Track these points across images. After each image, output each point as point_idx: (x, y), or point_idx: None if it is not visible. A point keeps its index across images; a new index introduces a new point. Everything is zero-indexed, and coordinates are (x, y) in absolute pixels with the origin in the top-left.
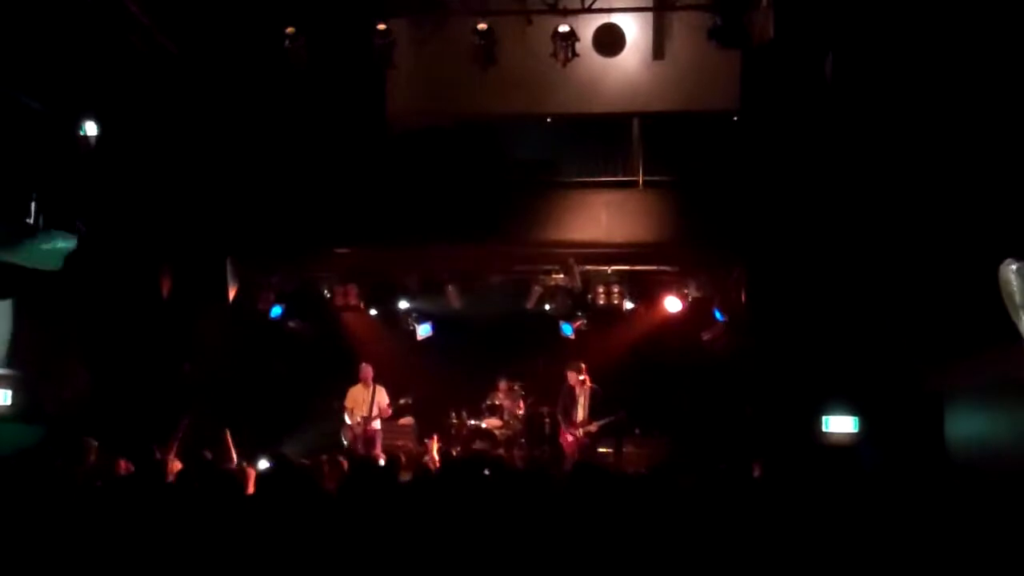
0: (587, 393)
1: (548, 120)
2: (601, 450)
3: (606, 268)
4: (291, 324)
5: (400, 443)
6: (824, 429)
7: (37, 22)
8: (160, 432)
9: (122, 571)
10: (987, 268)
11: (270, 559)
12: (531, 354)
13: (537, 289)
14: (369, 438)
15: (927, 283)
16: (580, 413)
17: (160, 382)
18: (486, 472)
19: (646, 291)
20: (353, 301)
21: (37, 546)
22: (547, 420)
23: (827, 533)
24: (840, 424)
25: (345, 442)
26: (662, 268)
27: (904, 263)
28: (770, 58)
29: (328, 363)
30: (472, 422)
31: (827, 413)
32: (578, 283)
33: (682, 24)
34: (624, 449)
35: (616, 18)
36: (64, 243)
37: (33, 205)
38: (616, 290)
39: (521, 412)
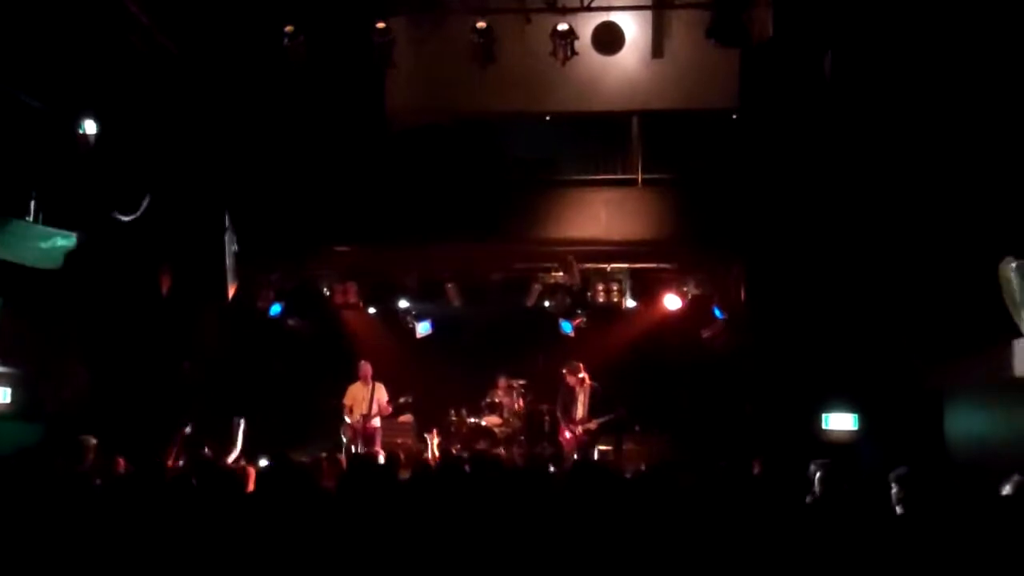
0: (587, 391)
1: (547, 118)
2: (601, 448)
3: (605, 266)
4: (290, 322)
5: (400, 441)
6: (824, 427)
7: (37, 21)
8: (160, 430)
9: (121, 569)
10: (987, 265)
11: (270, 557)
12: (531, 352)
13: (537, 287)
14: (368, 436)
15: (926, 280)
16: (580, 411)
17: (159, 380)
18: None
19: (646, 289)
20: (352, 299)
21: (37, 544)
22: (547, 418)
23: (827, 530)
24: (840, 421)
25: (344, 440)
26: (661, 266)
27: (903, 260)
28: (769, 56)
29: (327, 361)
30: (472, 420)
31: (827, 411)
32: (578, 281)
33: (681, 22)
34: (624, 447)
35: (615, 16)
36: (64, 241)
37: (32, 204)
38: (616, 288)
39: (520, 410)
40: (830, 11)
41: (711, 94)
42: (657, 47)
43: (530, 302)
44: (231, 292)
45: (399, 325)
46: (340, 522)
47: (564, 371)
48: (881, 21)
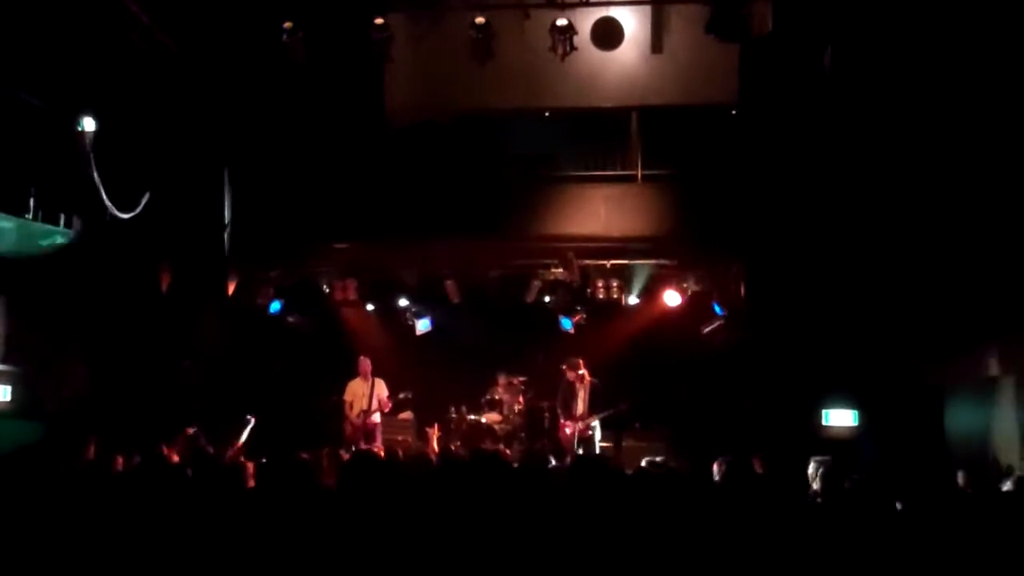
0: (587, 387)
1: (547, 114)
2: (601, 444)
3: (605, 262)
4: (290, 319)
5: (400, 438)
6: (824, 422)
7: (37, 19)
8: (160, 428)
9: (121, 566)
10: (987, 261)
11: (270, 553)
12: (530, 349)
13: (536, 283)
14: (369, 432)
15: (927, 276)
16: (580, 407)
17: (159, 378)
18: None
19: (645, 285)
20: (352, 296)
21: (37, 542)
22: (547, 414)
23: (827, 526)
24: (840, 417)
25: (345, 436)
26: (661, 262)
27: (904, 256)
28: (769, 51)
29: (327, 358)
30: (472, 417)
31: (827, 406)
32: (577, 277)
33: (680, 17)
34: (624, 443)
35: (614, 12)
36: (63, 239)
37: (32, 201)
38: (615, 284)
39: (521, 407)
40: (829, 6)
41: (711, 89)
42: (656, 42)
43: (530, 298)
44: (231, 290)
45: (399, 322)
46: (340, 519)
47: (564, 367)
48: (880, 15)
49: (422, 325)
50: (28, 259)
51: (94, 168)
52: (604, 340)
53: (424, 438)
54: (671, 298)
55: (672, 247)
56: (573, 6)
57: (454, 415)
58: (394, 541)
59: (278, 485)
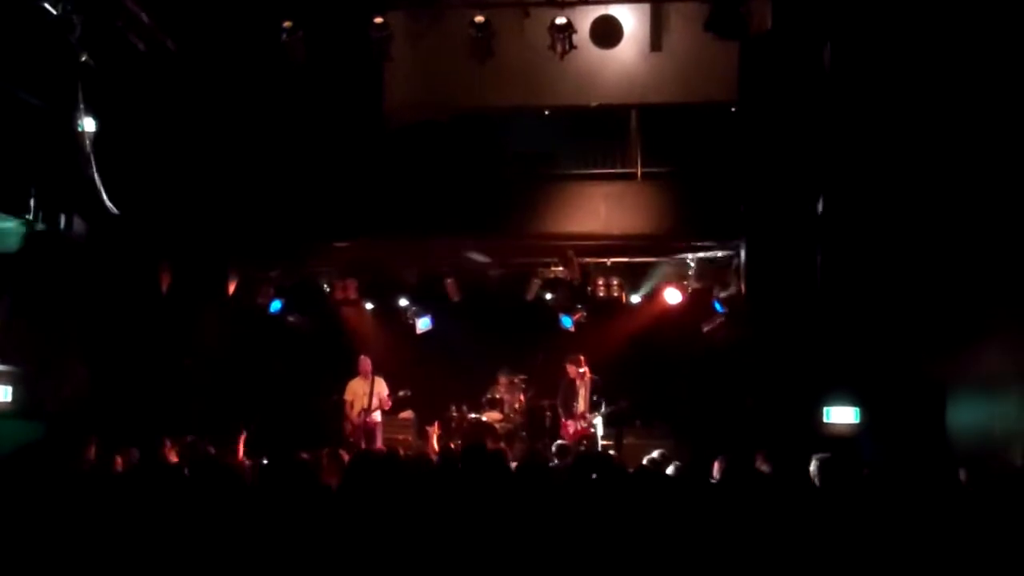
0: (588, 385)
1: (546, 113)
2: (602, 442)
3: (605, 260)
4: (291, 319)
5: (401, 437)
6: (825, 420)
7: (37, 17)
8: (160, 429)
9: (122, 566)
10: (989, 256)
11: (271, 552)
12: (531, 347)
13: (536, 281)
14: (369, 431)
15: (928, 273)
16: (581, 404)
17: (160, 378)
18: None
19: (646, 283)
20: (352, 295)
21: (37, 542)
22: (548, 413)
23: (828, 524)
24: (841, 415)
25: (345, 435)
26: (661, 260)
27: (905, 252)
28: (768, 48)
29: (328, 358)
30: (472, 415)
31: (828, 404)
32: (577, 275)
33: (679, 15)
34: (625, 441)
35: (613, 10)
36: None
37: (32, 201)
38: (615, 282)
39: (521, 405)
40: (829, 2)
41: (710, 87)
42: (656, 40)
43: (530, 297)
44: (231, 289)
45: (399, 321)
46: (342, 518)
47: (567, 363)
48: (880, 12)
49: (422, 324)
50: (28, 258)
51: (94, 168)
52: (605, 338)
53: (424, 437)
54: (671, 295)
55: (672, 244)
56: (572, 4)
57: (455, 414)
58: (396, 541)
59: (279, 485)
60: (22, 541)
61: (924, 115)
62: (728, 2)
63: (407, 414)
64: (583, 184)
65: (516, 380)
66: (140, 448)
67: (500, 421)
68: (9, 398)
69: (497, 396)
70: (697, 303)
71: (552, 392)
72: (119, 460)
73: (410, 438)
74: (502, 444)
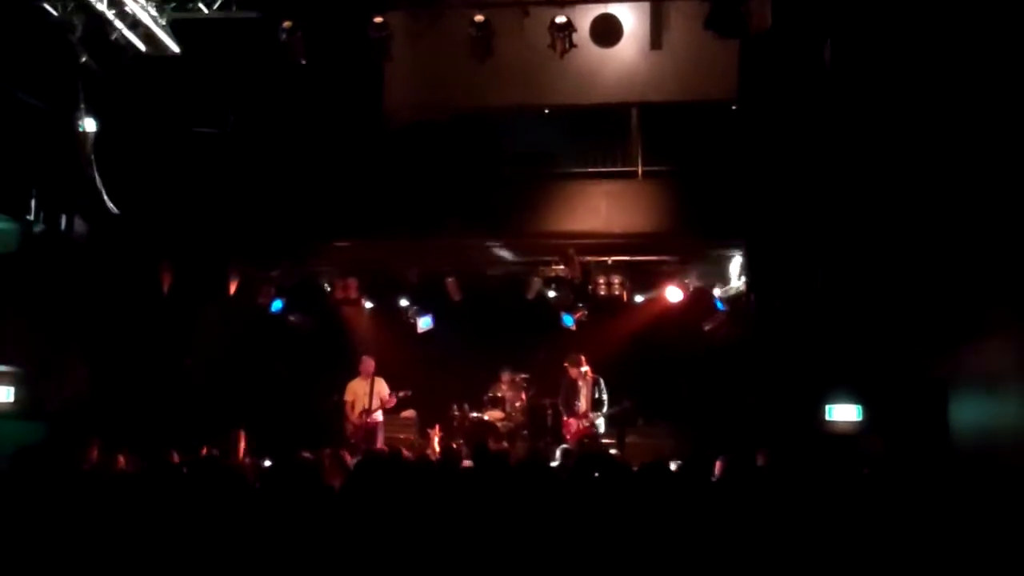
0: (589, 384)
1: (546, 112)
2: (604, 441)
3: (606, 259)
4: (292, 319)
5: (402, 436)
6: (827, 418)
7: (37, 19)
8: (162, 428)
9: (124, 567)
10: (991, 253)
11: (273, 553)
12: (532, 346)
13: (537, 280)
14: (370, 431)
15: (930, 270)
16: (583, 403)
17: (161, 378)
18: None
19: (647, 281)
20: (353, 295)
21: (39, 543)
22: (549, 412)
23: (831, 522)
24: (843, 413)
25: (346, 436)
26: (662, 258)
27: (907, 249)
28: (768, 46)
29: (329, 357)
30: (474, 414)
31: (830, 402)
32: (578, 274)
33: (679, 13)
34: (627, 440)
35: (613, 8)
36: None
37: (33, 202)
38: (617, 281)
39: (523, 404)
40: (829, 0)
41: (710, 85)
42: (656, 39)
43: (531, 295)
44: (232, 289)
45: (400, 320)
46: (344, 519)
47: (566, 364)
48: (880, 9)
49: (423, 323)
50: (29, 259)
51: (95, 169)
52: (606, 337)
53: (426, 437)
54: (672, 294)
55: (673, 243)
56: (572, 3)
57: (456, 413)
58: (399, 541)
59: (281, 486)
60: (25, 541)
61: (925, 112)
62: (728, 0)
63: (409, 413)
64: (584, 183)
65: (518, 379)
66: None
67: (502, 420)
68: (11, 398)
69: (499, 395)
70: (698, 301)
71: (554, 390)
72: (121, 460)
73: (412, 437)
74: (504, 443)
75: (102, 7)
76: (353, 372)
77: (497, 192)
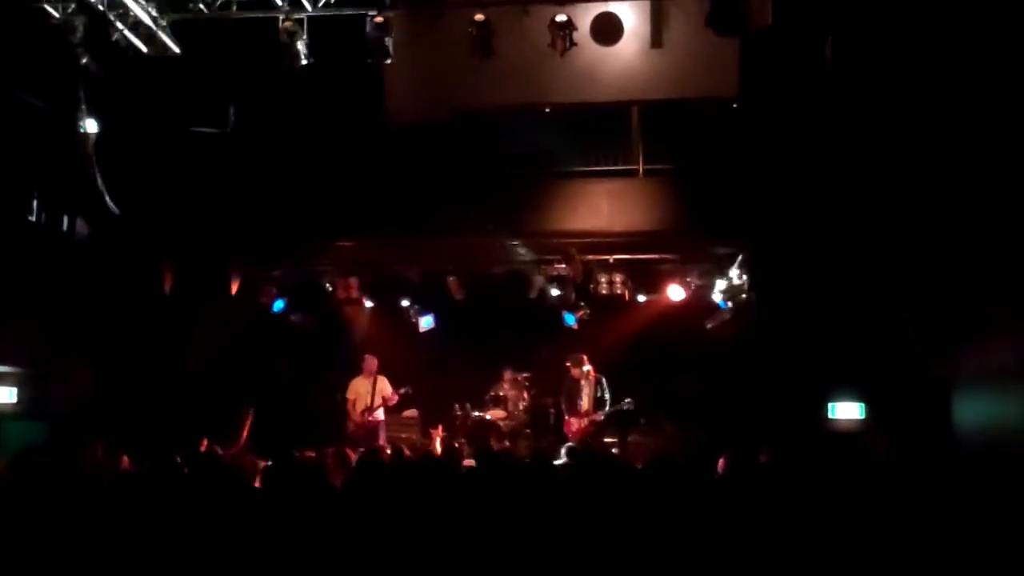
0: (591, 383)
1: (547, 110)
2: (607, 440)
3: (608, 257)
4: (293, 318)
5: (405, 435)
6: (831, 416)
7: (39, 20)
8: (164, 428)
9: (128, 566)
10: (994, 251)
11: (276, 552)
12: (534, 345)
13: (539, 279)
14: (372, 429)
15: (934, 268)
16: (585, 402)
17: (163, 378)
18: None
19: (649, 280)
20: (355, 294)
21: (44, 542)
22: (552, 411)
23: (834, 519)
24: (846, 411)
25: (347, 434)
26: (664, 256)
27: (910, 247)
28: (769, 44)
29: (331, 357)
30: (476, 414)
31: (833, 400)
32: (580, 273)
33: (680, 11)
34: (629, 439)
35: (614, 7)
36: None
37: (36, 203)
38: (618, 279)
39: (525, 403)
40: None
41: (711, 83)
42: (656, 37)
43: (533, 294)
44: (234, 289)
45: (402, 320)
46: (346, 518)
47: (568, 364)
48: (881, 6)
49: (425, 322)
50: (31, 259)
51: (96, 169)
52: (608, 336)
53: (429, 437)
54: (674, 292)
55: (675, 241)
56: (573, 1)
57: (458, 412)
58: (401, 540)
59: (284, 485)
60: (29, 541)
61: (927, 109)
62: None
63: (411, 412)
64: (585, 181)
65: (520, 378)
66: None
67: (504, 419)
68: (14, 399)
69: (501, 394)
70: (700, 300)
71: (556, 389)
72: (125, 459)
73: (414, 436)
74: (506, 442)
75: (103, 8)
76: (355, 372)
77: (498, 191)
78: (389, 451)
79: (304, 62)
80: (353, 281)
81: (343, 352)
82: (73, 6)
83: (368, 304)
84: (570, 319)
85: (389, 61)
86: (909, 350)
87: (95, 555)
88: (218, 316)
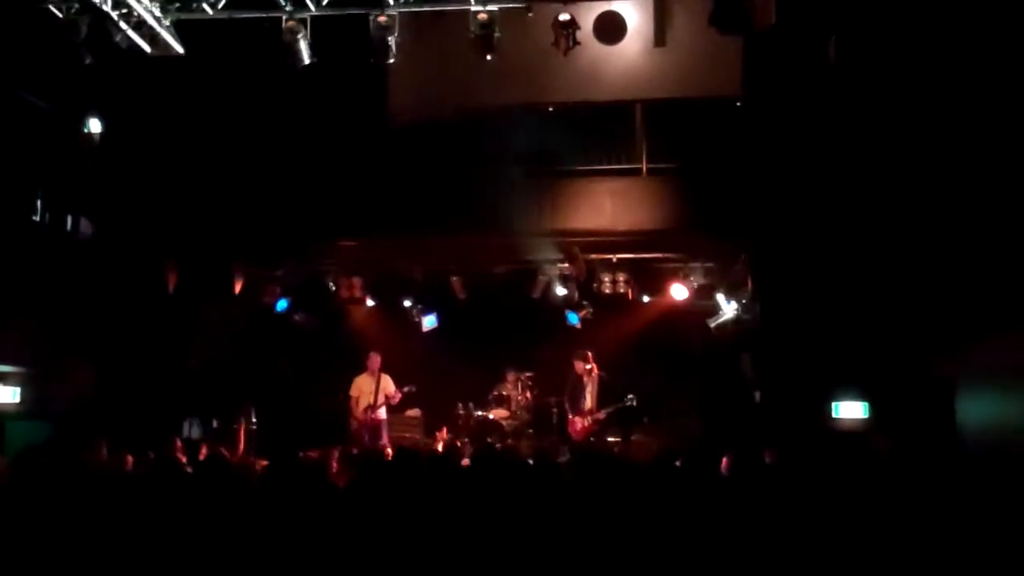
0: (595, 381)
1: (550, 110)
2: (609, 439)
3: (611, 256)
4: (297, 318)
5: (408, 435)
6: (834, 415)
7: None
8: (167, 428)
9: (131, 565)
10: (997, 250)
11: (278, 551)
12: (537, 344)
13: (543, 279)
14: (374, 427)
15: (937, 267)
16: (588, 401)
17: (166, 377)
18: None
19: (652, 279)
20: (358, 294)
21: (47, 542)
22: (555, 410)
23: (837, 520)
24: (850, 410)
25: (350, 432)
26: (668, 255)
27: (913, 247)
28: (772, 43)
29: (334, 356)
30: (479, 413)
31: (837, 399)
32: (583, 272)
33: (683, 10)
34: (632, 438)
35: (617, 5)
36: None
37: (39, 203)
38: (622, 279)
39: (528, 403)
40: None
41: (715, 82)
42: (660, 36)
43: (536, 294)
44: (237, 288)
45: (405, 319)
46: (349, 517)
47: (573, 359)
48: (884, 5)
49: (428, 322)
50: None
51: (100, 169)
52: (611, 335)
53: (432, 437)
54: (678, 292)
55: (678, 240)
56: (576, 0)
57: (461, 411)
58: (403, 540)
59: (287, 484)
60: (32, 540)
61: (931, 108)
62: None
63: (414, 412)
64: (588, 180)
65: (523, 377)
66: (151, 447)
67: (507, 418)
68: (17, 399)
69: (504, 393)
70: (703, 299)
71: (559, 389)
72: (129, 459)
73: (417, 436)
74: (509, 441)
75: (106, 8)
76: (358, 370)
77: (501, 190)
78: (391, 451)
79: (307, 62)
80: (356, 280)
81: (346, 352)
82: (77, 6)
83: (371, 303)
84: (573, 318)
85: (392, 61)
86: (913, 349)
87: (97, 555)
88: (221, 316)
